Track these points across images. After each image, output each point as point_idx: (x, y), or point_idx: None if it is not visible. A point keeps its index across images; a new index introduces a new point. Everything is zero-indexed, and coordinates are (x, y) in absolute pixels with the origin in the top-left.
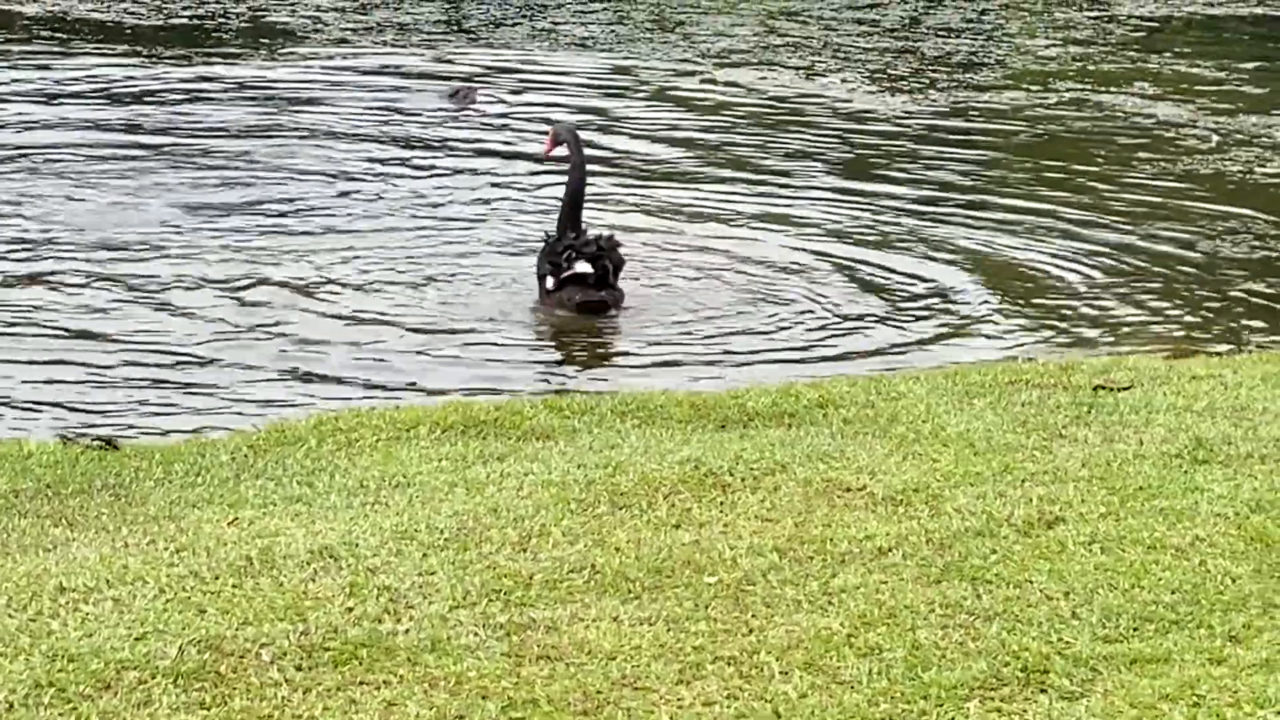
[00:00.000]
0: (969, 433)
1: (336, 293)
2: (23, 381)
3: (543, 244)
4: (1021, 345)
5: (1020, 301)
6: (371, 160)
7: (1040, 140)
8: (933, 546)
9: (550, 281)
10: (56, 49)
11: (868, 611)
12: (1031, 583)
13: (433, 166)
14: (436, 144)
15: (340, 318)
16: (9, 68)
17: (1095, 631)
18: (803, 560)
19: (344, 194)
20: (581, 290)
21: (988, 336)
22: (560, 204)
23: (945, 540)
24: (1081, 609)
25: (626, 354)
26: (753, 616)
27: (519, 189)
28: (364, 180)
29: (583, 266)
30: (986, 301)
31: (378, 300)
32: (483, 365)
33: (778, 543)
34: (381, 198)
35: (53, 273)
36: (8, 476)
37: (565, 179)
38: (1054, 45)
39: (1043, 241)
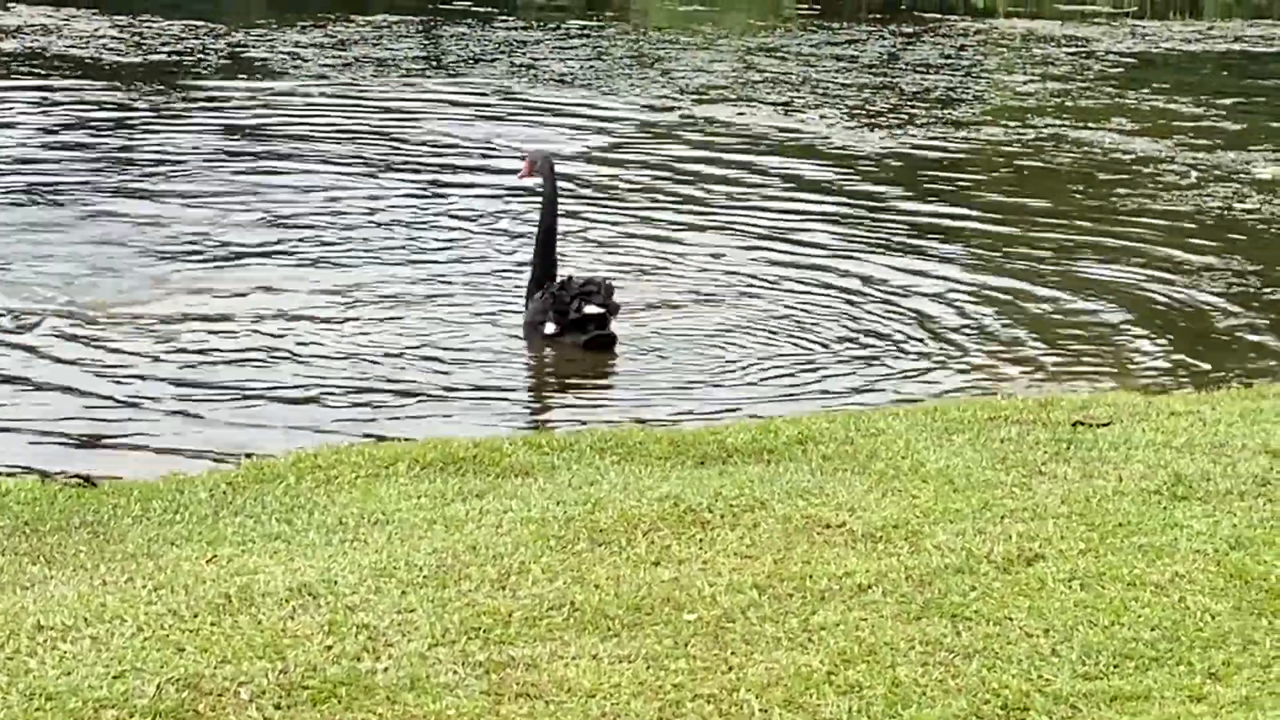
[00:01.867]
0: (948, 469)
1: (314, 325)
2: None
3: (529, 289)
4: (1000, 381)
5: (998, 337)
6: (351, 192)
7: (1019, 175)
8: (912, 583)
9: (551, 327)
10: (35, 84)
11: (848, 649)
12: (1011, 620)
13: (412, 197)
14: (417, 173)
15: (319, 351)
16: None
17: (1075, 669)
18: (782, 597)
19: (322, 226)
20: (586, 329)
21: (965, 372)
22: (535, 241)
23: (925, 577)
24: (1061, 646)
25: (610, 391)
26: (732, 654)
27: (495, 220)
28: (345, 212)
29: (592, 308)
30: (964, 337)
31: (357, 333)
32: (461, 402)
33: (757, 580)
34: (361, 228)
35: (27, 310)
36: None
37: (538, 211)
38: (1032, 81)
39: (1020, 276)
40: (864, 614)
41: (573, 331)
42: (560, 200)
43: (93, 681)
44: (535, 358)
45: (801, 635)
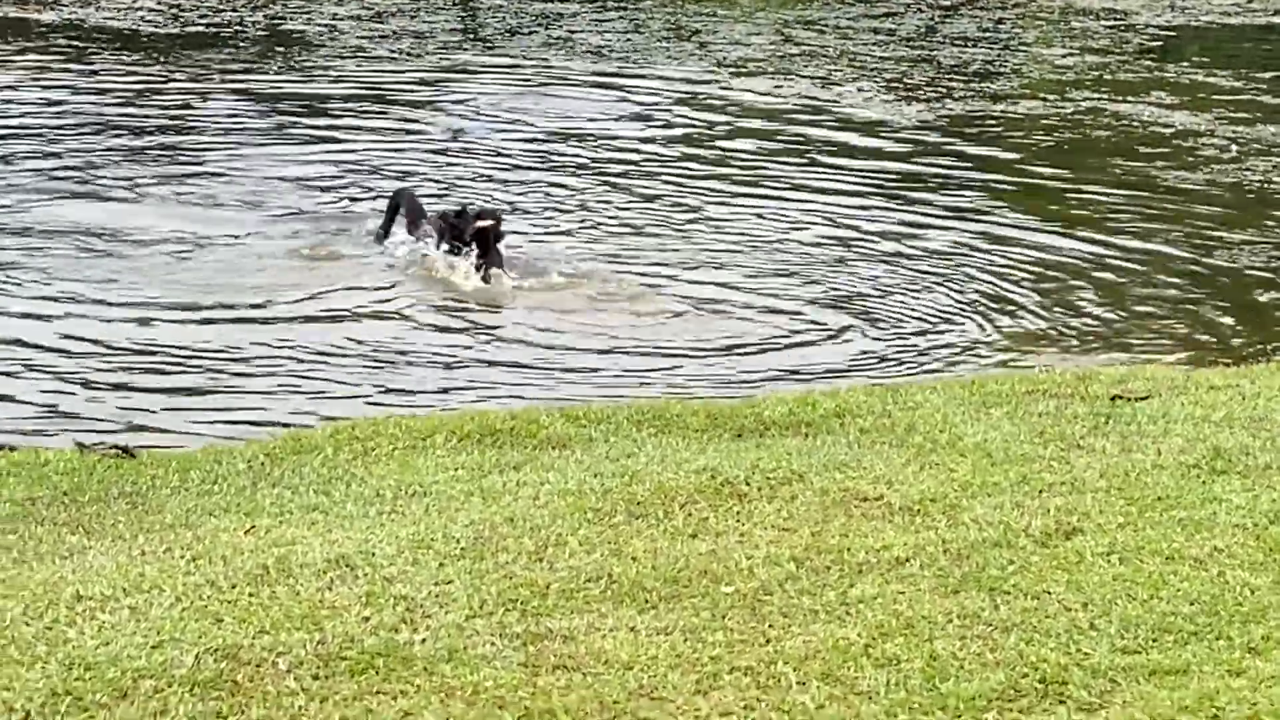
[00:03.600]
0: (986, 443)
1: (351, 299)
2: (40, 389)
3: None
4: (1038, 354)
5: (1037, 310)
6: (385, 168)
7: (1057, 149)
8: (950, 557)
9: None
10: (72, 56)
11: (885, 622)
12: (1049, 593)
13: (447, 176)
14: (455, 153)
15: (356, 324)
16: (26, 75)
17: (1114, 642)
18: (820, 570)
19: (357, 200)
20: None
21: (1002, 346)
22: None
23: (963, 550)
24: (1100, 620)
25: (640, 366)
26: (770, 626)
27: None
28: (380, 187)
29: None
30: (1002, 310)
31: (394, 307)
32: (500, 373)
33: (795, 552)
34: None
35: (67, 280)
36: (25, 484)
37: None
38: (1071, 54)
39: (1059, 251)
40: (901, 587)
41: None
42: (595, 177)
43: (131, 651)
44: (575, 330)
45: (839, 608)
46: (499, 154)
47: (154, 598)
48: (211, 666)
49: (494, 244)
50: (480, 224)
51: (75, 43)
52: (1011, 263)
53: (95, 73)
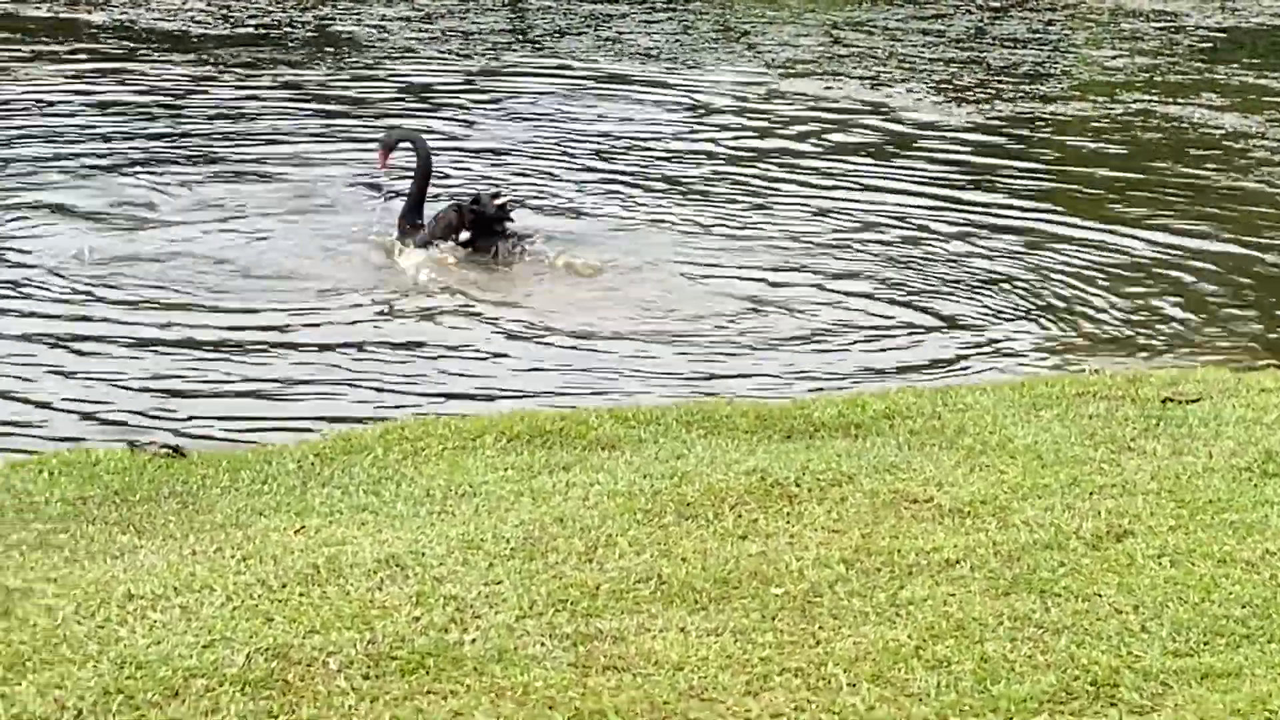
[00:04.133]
0: (1037, 445)
1: (398, 298)
2: (90, 388)
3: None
4: (1087, 356)
5: (1086, 312)
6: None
7: (1107, 151)
8: (1001, 559)
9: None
10: (122, 56)
11: (936, 623)
12: (1100, 596)
13: (498, 176)
14: (505, 154)
15: (405, 323)
16: (74, 75)
17: (1165, 645)
18: (870, 572)
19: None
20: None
21: (1052, 347)
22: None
23: (1013, 553)
24: (1151, 622)
25: (688, 366)
26: (820, 628)
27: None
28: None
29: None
30: (1052, 311)
31: (443, 306)
32: (551, 374)
33: (845, 554)
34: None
35: (118, 282)
36: (76, 483)
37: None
38: (1120, 56)
39: (1109, 253)
40: (952, 589)
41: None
42: (649, 178)
43: (182, 650)
44: (620, 332)
45: (889, 610)
46: (549, 154)
47: (205, 597)
48: (262, 666)
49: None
50: (498, 201)
51: (125, 43)
52: (1060, 264)
53: (144, 73)
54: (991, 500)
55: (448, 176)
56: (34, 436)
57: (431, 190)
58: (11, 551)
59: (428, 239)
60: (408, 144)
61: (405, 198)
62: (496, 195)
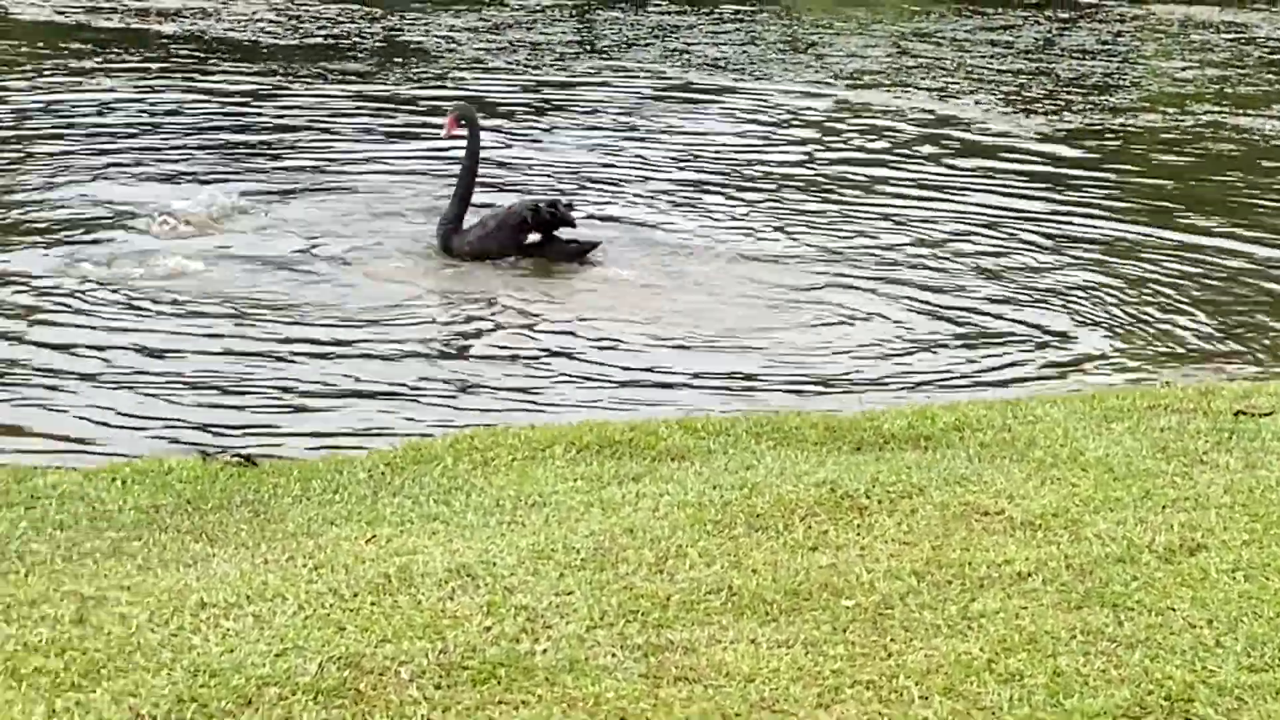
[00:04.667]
0: (1108, 457)
1: (467, 307)
2: (162, 398)
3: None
4: (1159, 368)
5: (1156, 326)
6: (499, 178)
7: (1178, 163)
8: (1073, 572)
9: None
10: (192, 66)
11: (1008, 637)
12: (1174, 610)
13: (566, 184)
14: (573, 163)
15: (474, 333)
16: (144, 83)
17: (1240, 660)
18: (941, 584)
19: (472, 209)
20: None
21: (1123, 359)
22: (458, 180)
23: (1085, 566)
24: (1225, 637)
25: (757, 375)
26: (891, 640)
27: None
28: (494, 201)
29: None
30: (1120, 325)
31: (510, 316)
32: (615, 386)
33: (915, 566)
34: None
35: (186, 289)
36: (149, 492)
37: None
38: (1190, 67)
39: (1180, 264)
40: (1024, 602)
41: (553, 241)
42: (716, 187)
43: (255, 659)
44: (685, 342)
45: (961, 623)
46: (615, 164)
47: (277, 606)
48: (334, 675)
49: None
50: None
51: (196, 53)
52: (1129, 275)
53: (214, 82)
54: (1063, 513)
55: (503, 185)
56: (107, 445)
57: (481, 198)
58: (86, 559)
59: (487, 241)
60: (467, 130)
61: (453, 198)
62: (559, 203)
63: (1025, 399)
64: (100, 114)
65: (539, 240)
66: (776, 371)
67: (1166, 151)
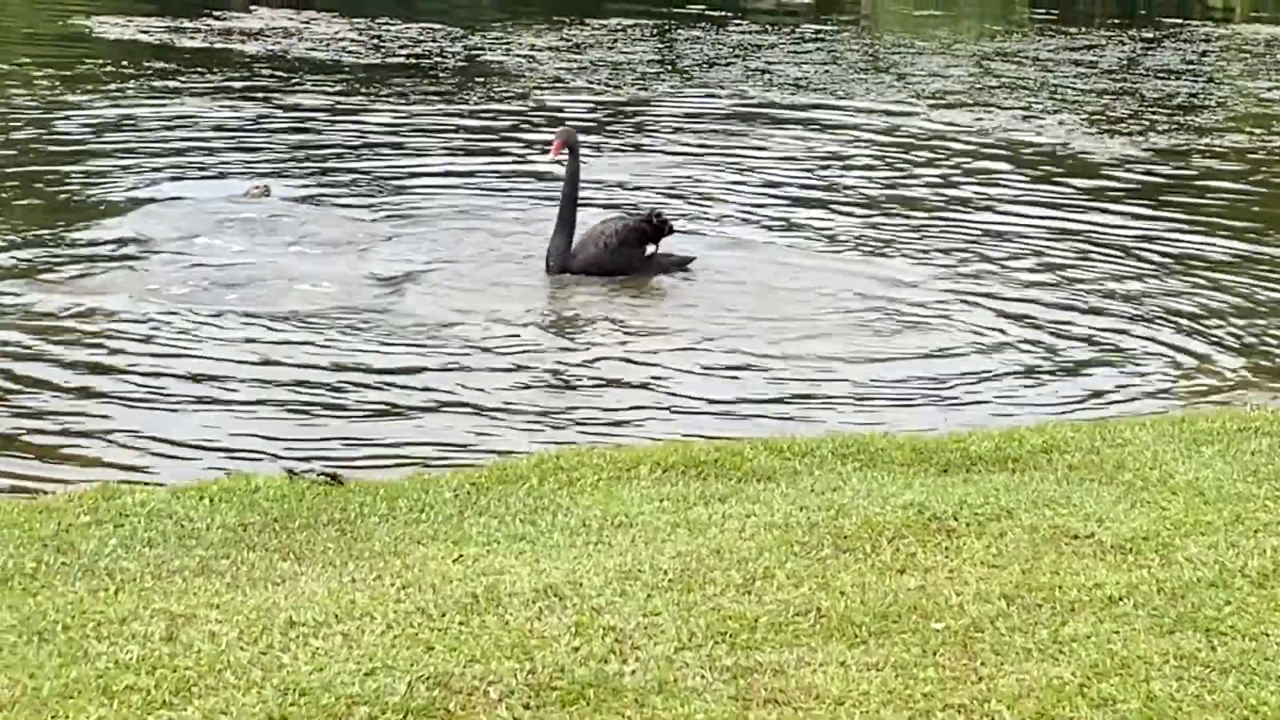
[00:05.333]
0: (1198, 481)
1: (551, 326)
2: (250, 416)
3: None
4: (1248, 391)
5: (1248, 347)
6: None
7: (1264, 183)
8: (1164, 596)
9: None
10: (275, 85)
11: (1100, 661)
12: (1268, 635)
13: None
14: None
15: (557, 351)
16: (227, 103)
17: None
18: (1031, 608)
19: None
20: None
21: (1209, 383)
22: (560, 204)
23: (1177, 590)
24: None
25: (842, 397)
26: (982, 664)
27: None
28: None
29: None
30: (1207, 347)
31: (595, 334)
32: (699, 407)
33: (1005, 589)
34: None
35: (271, 306)
36: (236, 510)
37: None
38: (1277, 87)
39: (1267, 285)
40: (1115, 626)
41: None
42: (802, 205)
43: (344, 678)
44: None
45: (1052, 646)
46: (700, 182)
47: (365, 625)
48: (424, 694)
49: None
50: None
51: (278, 72)
52: (1216, 298)
53: (296, 100)
54: (1153, 537)
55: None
56: (195, 463)
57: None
58: (175, 577)
59: (609, 257)
60: (567, 155)
61: (557, 221)
62: (661, 213)
63: (1113, 421)
64: (180, 128)
65: (652, 253)
66: (863, 393)
67: (1255, 171)
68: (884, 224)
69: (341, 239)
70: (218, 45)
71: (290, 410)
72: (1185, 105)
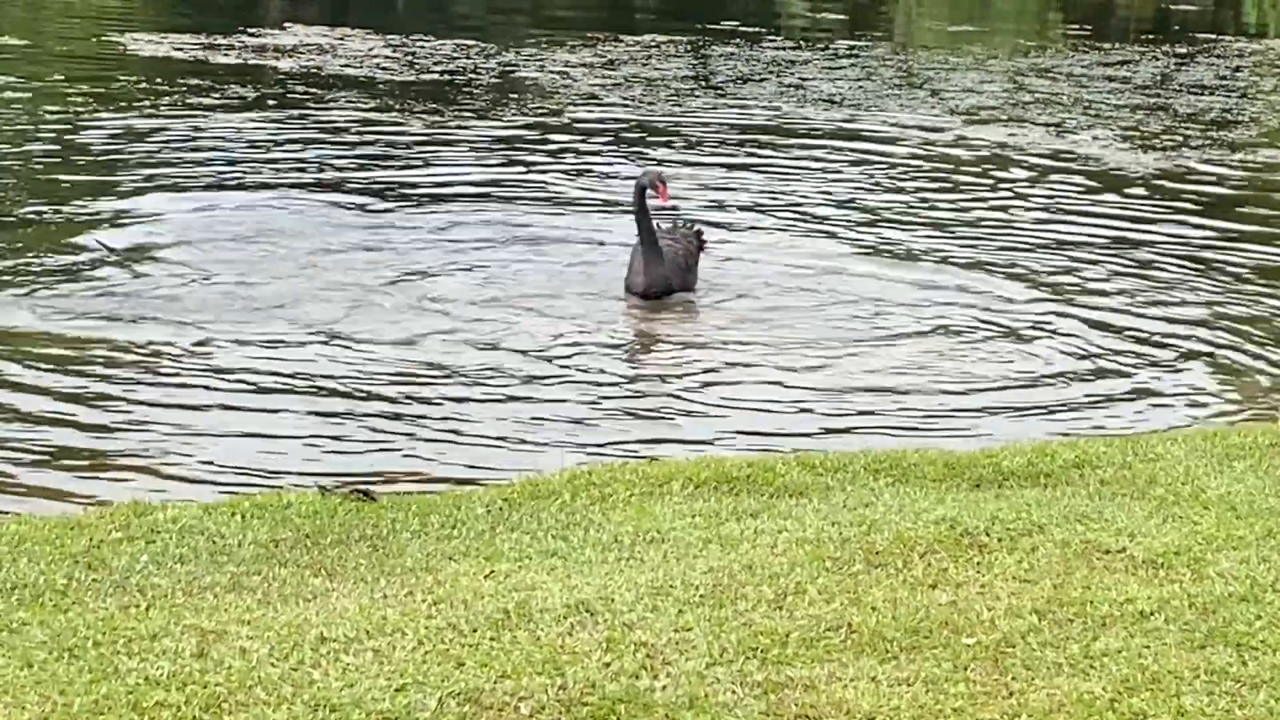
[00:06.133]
0: (1230, 495)
1: (583, 341)
2: (282, 431)
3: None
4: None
5: (1277, 361)
6: (617, 213)
7: None
8: (1196, 611)
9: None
10: (309, 100)
11: (1131, 676)
12: None
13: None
14: (693, 196)
15: (590, 368)
16: (262, 118)
17: None
18: (1063, 623)
19: (590, 244)
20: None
21: (1246, 397)
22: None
23: (1209, 605)
24: None
25: (874, 412)
26: (1013, 679)
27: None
28: (612, 232)
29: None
30: (1245, 361)
31: (626, 350)
32: (733, 419)
33: (1036, 604)
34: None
35: (304, 320)
36: (268, 526)
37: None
38: None
39: None
40: (1146, 641)
41: None
42: (836, 223)
43: (375, 694)
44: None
45: (1083, 662)
46: (741, 197)
47: (396, 640)
48: (454, 710)
49: None
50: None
51: (313, 89)
52: (1248, 311)
53: (331, 116)
54: (1185, 551)
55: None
56: (226, 479)
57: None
58: (206, 593)
59: (683, 277)
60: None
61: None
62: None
63: (1145, 435)
64: (216, 150)
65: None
66: (897, 407)
67: None
68: (922, 238)
69: (372, 251)
70: (251, 62)
71: (322, 426)
72: (1218, 121)
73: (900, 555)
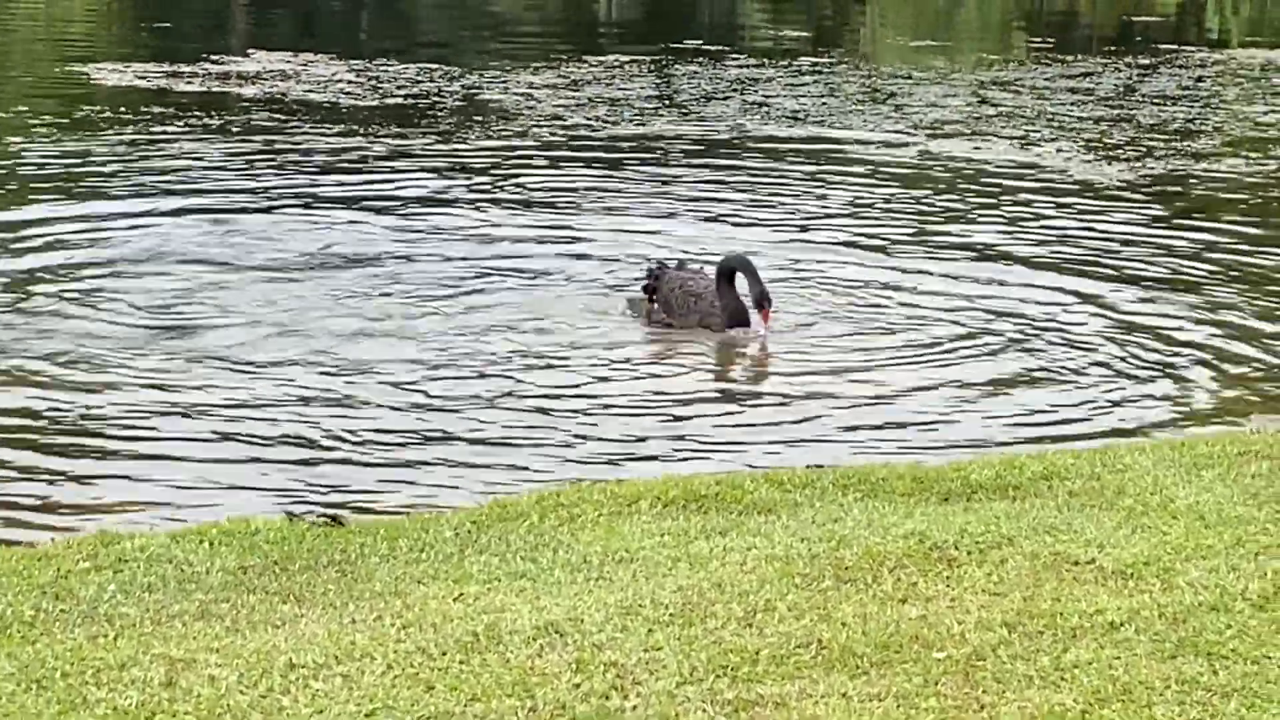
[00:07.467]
0: (1199, 505)
1: (551, 364)
2: (248, 459)
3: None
4: (1247, 414)
5: (1244, 372)
6: (590, 233)
7: (1263, 207)
8: (1166, 621)
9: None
10: (272, 128)
11: (1101, 687)
12: (1269, 658)
13: (656, 244)
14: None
15: (557, 391)
16: (225, 145)
17: None
18: (1033, 635)
19: (572, 261)
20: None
21: (1212, 406)
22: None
23: (1179, 615)
24: None
25: (855, 427)
26: (984, 693)
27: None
28: (593, 252)
29: None
30: (1208, 372)
31: (593, 373)
32: (700, 438)
33: (1007, 617)
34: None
35: (276, 347)
36: (236, 553)
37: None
38: (1273, 111)
39: (1267, 310)
40: (1117, 652)
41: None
42: (811, 243)
43: (344, 719)
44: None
45: (1054, 674)
46: (701, 220)
47: (366, 665)
48: None
49: None
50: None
51: (276, 115)
52: (1216, 321)
53: (295, 142)
54: (1154, 562)
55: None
56: (193, 506)
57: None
58: (174, 621)
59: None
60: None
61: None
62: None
63: (1113, 447)
64: (183, 181)
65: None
66: (874, 422)
67: (1252, 196)
68: (886, 250)
69: (335, 274)
70: (216, 90)
71: (288, 451)
72: (1182, 131)
73: (869, 570)
